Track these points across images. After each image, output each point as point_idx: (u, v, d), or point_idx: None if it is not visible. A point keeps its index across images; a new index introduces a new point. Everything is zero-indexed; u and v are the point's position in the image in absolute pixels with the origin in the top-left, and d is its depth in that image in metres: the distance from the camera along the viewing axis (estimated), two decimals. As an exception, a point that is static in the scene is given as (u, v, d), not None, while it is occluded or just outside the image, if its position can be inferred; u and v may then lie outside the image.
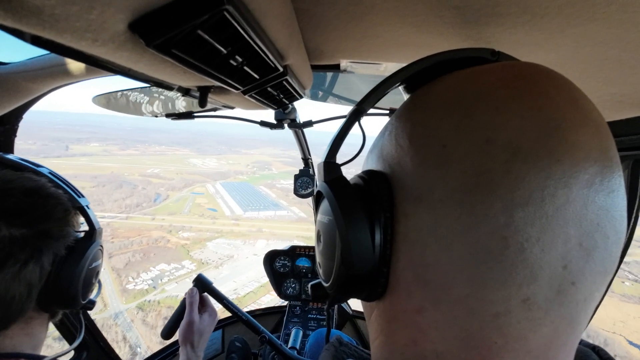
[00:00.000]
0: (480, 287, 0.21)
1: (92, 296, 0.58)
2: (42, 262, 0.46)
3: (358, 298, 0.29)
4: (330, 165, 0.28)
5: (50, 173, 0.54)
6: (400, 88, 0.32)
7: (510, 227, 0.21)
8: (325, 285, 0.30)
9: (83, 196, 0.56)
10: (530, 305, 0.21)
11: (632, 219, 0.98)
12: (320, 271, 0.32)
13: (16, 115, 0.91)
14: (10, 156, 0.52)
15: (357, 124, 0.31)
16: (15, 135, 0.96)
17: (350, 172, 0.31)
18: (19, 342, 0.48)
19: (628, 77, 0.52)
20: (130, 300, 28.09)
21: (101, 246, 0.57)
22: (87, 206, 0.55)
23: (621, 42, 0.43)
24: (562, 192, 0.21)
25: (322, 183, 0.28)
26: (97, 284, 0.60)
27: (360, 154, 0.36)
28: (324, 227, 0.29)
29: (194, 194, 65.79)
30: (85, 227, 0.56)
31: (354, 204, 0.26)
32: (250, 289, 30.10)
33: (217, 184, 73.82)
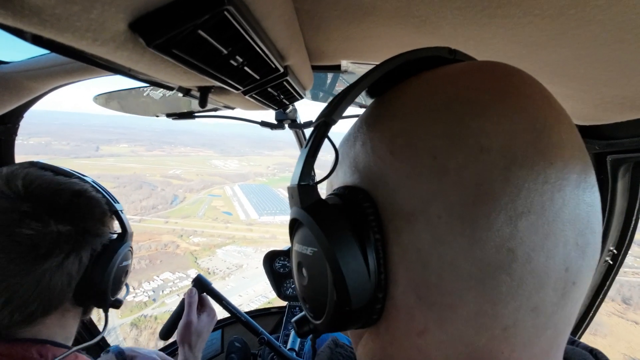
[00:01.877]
0: (490, 303, 0.20)
1: (120, 297, 0.63)
2: (81, 256, 0.52)
3: (353, 329, 0.26)
4: (305, 188, 0.24)
5: (92, 181, 0.61)
6: (364, 93, 0.29)
7: (516, 238, 0.20)
8: (316, 322, 0.27)
9: (118, 202, 0.62)
10: (538, 312, 0.21)
11: (633, 222, 0.97)
12: (306, 307, 0.28)
13: (17, 114, 0.92)
14: (62, 167, 0.59)
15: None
16: (16, 134, 0.96)
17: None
18: (53, 332, 0.53)
19: (629, 79, 0.52)
20: (126, 314, 26.12)
21: (131, 247, 0.63)
22: (121, 210, 0.61)
23: (623, 44, 0.43)
24: (559, 196, 0.20)
25: (299, 210, 0.24)
26: (125, 285, 0.64)
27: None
28: (308, 260, 0.25)
29: (211, 196, 64.99)
30: (117, 230, 0.63)
31: (341, 230, 0.22)
32: (257, 304, 27.23)
33: (235, 186, 72.23)
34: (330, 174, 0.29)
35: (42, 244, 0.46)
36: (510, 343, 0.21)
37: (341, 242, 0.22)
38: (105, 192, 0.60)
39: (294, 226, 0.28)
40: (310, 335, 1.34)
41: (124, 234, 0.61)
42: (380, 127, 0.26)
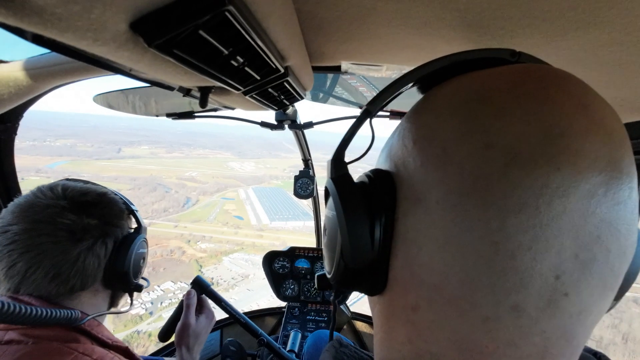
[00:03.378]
0: (470, 290, 0.22)
1: (142, 283, 0.77)
2: (106, 242, 0.65)
3: (359, 291, 0.30)
4: (337, 162, 0.28)
5: (112, 190, 0.75)
6: (415, 88, 0.31)
7: (502, 233, 0.21)
8: (328, 276, 0.32)
9: (133, 204, 0.77)
10: (520, 313, 0.21)
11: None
12: (325, 262, 0.33)
13: (17, 113, 0.91)
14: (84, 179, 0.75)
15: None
16: (15, 134, 0.96)
17: (367, 168, 0.31)
18: (87, 307, 0.64)
19: (629, 81, 0.52)
20: (120, 329, 24.01)
21: (145, 239, 0.76)
22: (136, 210, 0.77)
23: (622, 46, 0.43)
24: (559, 202, 0.20)
25: (329, 179, 0.29)
26: (145, 279, 0.78)
27: (370, 153, 0.36)
28: (329, 221, 0.30)
29: (224, 199, 63.38)
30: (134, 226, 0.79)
31: (355, 200, 0.26)
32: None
33: (249, 189, 69.67)
34: (363, 155, 0.34)
35: (77, 230, 0.60)
36: (493, 338, 0.22)
37: (353, 209, 0.26)
38: (123, 196, 0.76)
39: (327, 194, 0.32)
40: (309, 336, 1.34)
41: (139, 228, 0.76)
42: (413, 119, 0.28)
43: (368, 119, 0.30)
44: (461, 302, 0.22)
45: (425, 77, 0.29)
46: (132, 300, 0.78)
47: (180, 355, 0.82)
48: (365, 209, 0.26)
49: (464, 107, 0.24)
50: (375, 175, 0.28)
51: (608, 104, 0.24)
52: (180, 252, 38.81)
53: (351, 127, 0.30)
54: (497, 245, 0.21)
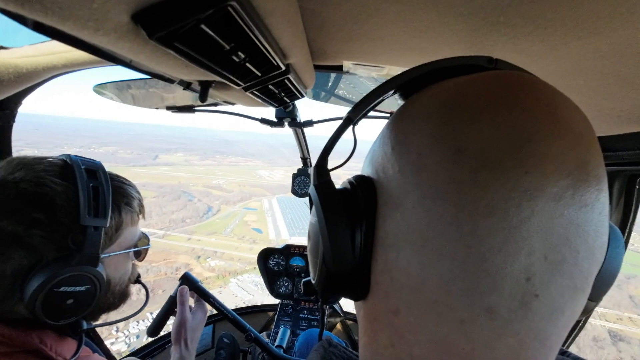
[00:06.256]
0: (447, 292, 0.22)
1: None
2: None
3: (344, 297, 0.30)
4: (320, 169, 0.29)
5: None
6: (397, 95, 0.32)
7: (473, 236, 0.21)
8: (313, 282, 0.32)
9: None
10: (494, 315, 0.21)
11: (626, 235, 0.98)
12: (309, 268, 0.34)
13: (15, 100, 0.91)
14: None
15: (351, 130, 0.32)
16: (13, 121, 0.95)
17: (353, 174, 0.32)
18: None
19: (628, 92, 0.53)
20: None
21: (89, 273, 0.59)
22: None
23: (622, 57, 0.43)
24: (527, 205, 0.20)
25: (311, 186, 0.29)
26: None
27: (352, 160, 0.37)
28: (312, 228, 0.31)
29: (246, 209, 61.98)
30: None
31: (337, 207, 0.27)
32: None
33: (274, 199, 67.01)
34: (345, 162, 0.34)
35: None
36: (470, 340, 0.22)
37: (334, 216, 0.26)
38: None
39: (310, 200, 0.32)
40: (301, 334, 1.34)
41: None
42: (392, 126, 0.28)
43: (350, 126, 0.31)
44: (439, 305, 0.22)
45: (406, 84, 0.29)
46: (147, 293, 0.76)
47: (180, 351, 0.81)
48: (346, 215, 0.26)
49: (438, 113, 0.24)
50: (357, 181, 0.28)
51: (578, 108, 0.24)
52: (186, 269, 35.30)
53: (334, 134, 0.30)
54: (470, 248, 0.21)
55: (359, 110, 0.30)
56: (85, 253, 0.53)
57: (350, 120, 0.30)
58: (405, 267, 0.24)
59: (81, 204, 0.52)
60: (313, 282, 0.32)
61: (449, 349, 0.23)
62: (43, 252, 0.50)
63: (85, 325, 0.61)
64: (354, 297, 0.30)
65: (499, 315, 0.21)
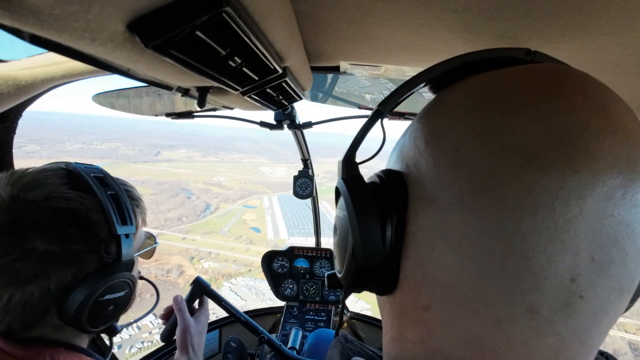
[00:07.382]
0: (484, 290, 0.21)
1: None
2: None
3: (370, 291, 0.30)
4: (348, 162, 0.29)
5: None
6: (427, 88, 0.31)
7: (516, 234, 0.20)
8: (339, 275, 0.32)
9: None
10: (534, 314, 0.21)
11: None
12: (335, 262, 0.34)
13: (15, 112, 0.91)
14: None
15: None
16: (14, 133, 0.96)
17: (378, 168, 0.30)
18: (65, 334, 0.56)
19: (627, 82, 0.52)
20: None
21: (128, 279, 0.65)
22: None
23: (619, 48, 0.43)
24: (575, 204, 0.20)
25: (340, 180, 0.29)
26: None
27: (381, 153, 0.36)
28: (340, 221, 0.31)
29: (245, 207, 58.52)
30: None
31: (366, 201, 0.26)
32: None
33: (274, 197, 62.92)
34: (374, 156, 0.34)
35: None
36: (507, 338, 0.21)
37: (364, 209, 0.26)
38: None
39: (337, 194, 0.32)
40: (309, 335, 1.34)
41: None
42: (425, 120, 0.28)
43: (379, 120, 0.31)
44: (474, 302, 0.22)
45: (438, 77, 0.29)
46: (157, 290, 0.78)
47: (187, 357, 0.80)
48: (376, 209, 0.26)
49: (478, 107, 0.24)
50: (387, 175, 0.28)
51: (626, 104, 0.23)
52: (178, 272, 33.27)
53: (362, 127, 0.30)
54: (512, 247, 0.20)
55: (389, 104, 0.30)
56: (122, 260, 0.56)
57: (380, 113, 0.30)
58: (439, 262, 0.23)
59: (111, 214, 0.53)
60: (339, 275, 0.32)
61: (483, 347, 0.22)
62: (83, 265, 0.52)
63: (119, 328, 0.64)
64: (380, 292, 0.29)
65: (540, 315, 0.21)
